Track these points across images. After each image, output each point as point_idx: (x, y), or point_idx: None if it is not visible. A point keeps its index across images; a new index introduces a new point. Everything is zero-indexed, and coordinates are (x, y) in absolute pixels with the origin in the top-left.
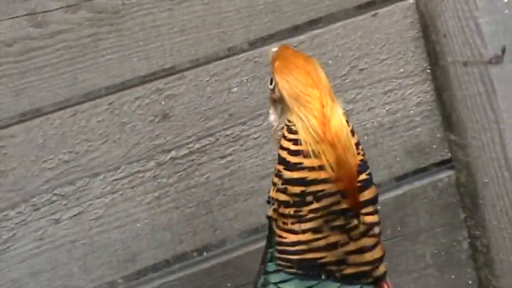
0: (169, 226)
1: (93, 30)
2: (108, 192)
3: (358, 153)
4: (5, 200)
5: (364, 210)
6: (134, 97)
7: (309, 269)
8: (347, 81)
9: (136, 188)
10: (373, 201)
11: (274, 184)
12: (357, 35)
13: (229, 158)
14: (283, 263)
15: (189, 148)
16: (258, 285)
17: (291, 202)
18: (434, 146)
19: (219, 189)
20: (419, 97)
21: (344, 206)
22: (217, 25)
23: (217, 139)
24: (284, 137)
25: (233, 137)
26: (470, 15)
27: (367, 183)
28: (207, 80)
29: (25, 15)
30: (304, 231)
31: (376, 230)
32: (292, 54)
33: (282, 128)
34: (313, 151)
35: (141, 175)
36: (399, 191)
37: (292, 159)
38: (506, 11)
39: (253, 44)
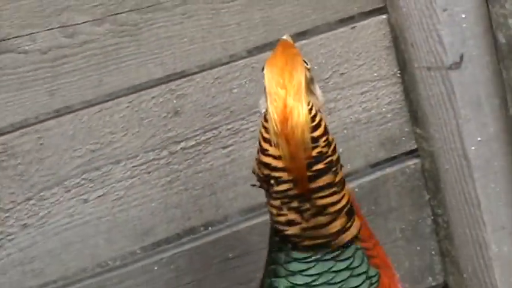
0: (180, 205)
1: (115, 40)
2: (128, 177)
3: (317, 146)
4: (41, 183)
5: (317, 195)
6: (150, 96)
7: (283, 240)
8: (330, 83)
9: (152, 173)
10: (330, 185)
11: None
12: (338, 44)
13: (230, 148)
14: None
15: (196, 140)
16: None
17: (263, 179)
18: (403, 138)
19: (221, 174)
20: (390, 97)
21: (295, 191)
22: (220, 36)
23: (220, 132)
24: (262, 122)
25: (234, 130)
26: (433, 27)
27: (322, 172)
28: (212, 82)
29: (58, 27)
30: (272, 206)
31: (332, 208)
32: (282, 51)
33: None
34: (275, 142)
35: (156, 162)
36: (373, 176)
37: (263, 145)
38: (464, 25)
39: (251, 52)
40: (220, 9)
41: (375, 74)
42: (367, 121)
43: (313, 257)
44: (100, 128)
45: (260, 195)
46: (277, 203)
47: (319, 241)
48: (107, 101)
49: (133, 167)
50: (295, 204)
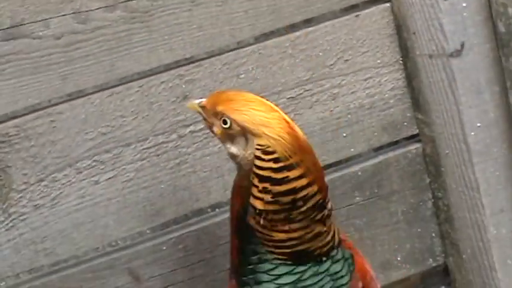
0: (188, 187)
1: (127, 27)
2: (138, 159)
3: None
4: (53, 165)
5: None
6: (160, 81)
7: (300, 258)
8: (334, 69)
9: (161, 156)
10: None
11: (260, 198)
12: (342, 32)
13: None
14: (277, 256)
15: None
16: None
17: (282, 210)
18: (405, 123)
19: (228, 157)
20: (393, 83)
21: (320, 199)
22: (228, 23)
23: None
24: (260, 159)
25: None
26: (435, 16)
27: None
28: (220, 68)
29: (71, 13)
30: (294, 230)
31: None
32: (231, 94)
33: (251, 153)
34: (295, 163)
35: (165, 145)
36: (376, 160)
37: (278, 175)
38: (465, 14)
39: (258, 39)
40: None
41: (378, 61)
42: (370, 106)
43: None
44: (111, 111)
45: None
46: (301, 224)
47: (330, 245)
48: (118, 85)
49: (143, 149)
50: (320, 215)
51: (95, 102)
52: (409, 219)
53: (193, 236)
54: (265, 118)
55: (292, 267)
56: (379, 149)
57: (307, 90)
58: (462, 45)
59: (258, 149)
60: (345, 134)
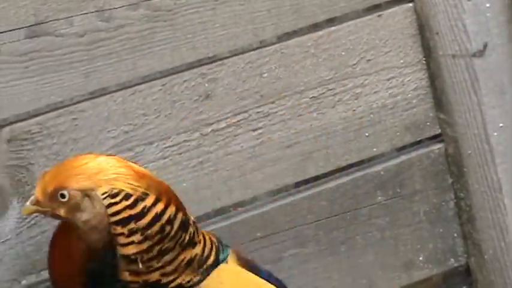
0: (210, 186)
1: (150, 25)
2: (160, 158)
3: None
4: None
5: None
6: (183, 80)
7: None
8: (357, 69)
9: (183, 154)
10: None
11: (130, 242)
12: (365, 32)
13: (259, 131)
14: None
15: (227, 122)
16: None
17: (155, 243)
18: (428, 123)
19: (251, 156)
20: (415, 83)
21: (183, 216)
22: (251, 22)
23: (250, 115)
24: (112, 205)
25: (263, 114)
26: (458, 16)
27: None
28: (243, 67)
29: (94, 11)
30: (170, 262)
31: None
32: (51, 171)
33: (101, 207)
34: (145, 190)
35: (187, 144)
36: (399, 160)
37: (137, 210)
38: (488, 14)
39: (281, 38)
40: None
41: (401, 61)
42: (393, 106)
43: None
44: (133, 109)
45: (288, 177)
46: (175, 253)
47: None
48: (141, 83)
49: (165, 148)
50: (187, 236)
51: (117, 101)
52: (432, 219)
53: (215, 234)
54: (94, 167)
55: None
56: (401, 149)
57: (330, 90)
58: (485, 46)
59: (104, 198)
60: (367, 134)
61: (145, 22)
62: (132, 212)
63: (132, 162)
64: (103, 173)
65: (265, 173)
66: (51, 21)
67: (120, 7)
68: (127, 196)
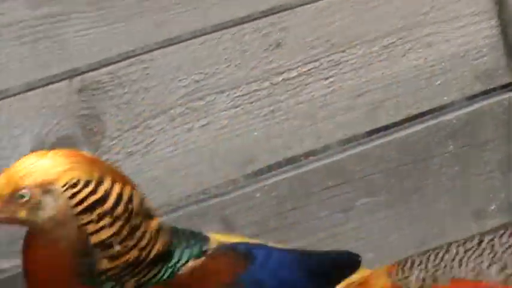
0: (281, 135)
1: None
2: (231, 107)
3: None
4: (147, 112)
5: None
6: (253, 29)
7: (163, 259)
8: (428, 17)
9: (254, 103)
10: None
11: (101, 228)
12: None
13: (330, 79)
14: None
15: (297, 71)
16: None
17: (124, 223)
18: (499, 72)
19: (322, 104)
20: (487, 31)
21: (139, 194)
22: None
23: (321, 64)
24: (74, 196)
25: (334, 62)
26: None
27: None
28: (314, 16)
29: None
30: (141, 238)
31: None
32: (4, 176)
33: (63, 199)
34: (101, 174)
35: (258, 93)
36: (470, 109)
37: (99, 194)
38: None
39: None
40: None
41: (472, 9)
42: (464, 55)
43: None
44: (204, 58)
45: (359, 126)
46: (143, 228)
47: None
48: (212, 32)
49: (236, 97)
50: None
51: (188, 50)
52: (503, 169)
53: (286, 183)
54: (46, 163)
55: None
56: (473, 98)
57: (401, 39)
58: None
59: (65, 191)
60: (438, 82)
61: None
62: (96, 197)
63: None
64: (57, 166)
65: (336, 122)
66: None
67: None
68: (87, 183)
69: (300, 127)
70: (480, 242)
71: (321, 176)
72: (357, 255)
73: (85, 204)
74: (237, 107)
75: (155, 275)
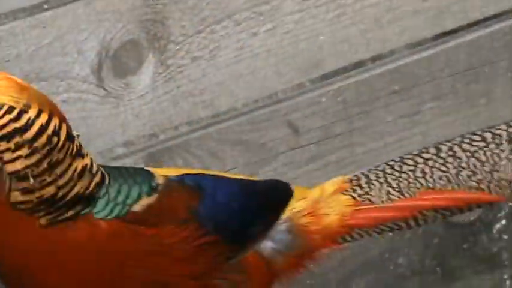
0: (347, 39)
1: None
2: (297, 11)
3: None
4: (212, 17)
5: None
6: None
7: (78, 203)
8: None
9: (320, 8)
10: None
11: (17, 157)
12: None
13: None
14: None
15: None
16: None
17: (44, 156)
18: None
19: (388, 8)
20: None
21: (67, 129)
22: None
23: None
24: None
25: None
26: None
27: None
28: None
29: None
30: (61, 174)
31: None
32: None
33: None
34: (27, 102)
35: None
36: None
37: (21, 122)
38: None
39: None
40: None
41: None
42: None
43: None
44: None
45: (425, 30)
46: (66, 163)
47: None
48: None
49: (302, 1)
50: (74, 147)
51: None
52: None
53: (353, 88)
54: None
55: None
56: None
57: None
58: None
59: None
60: None
61: None
62: (17, 125)
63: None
64: None
65: (402, 26)
66: None
67: None
68: (10, 109)
69: (366, 31)
70: (438, 151)
71: (387, 81)
72: (288, 184)
73: (4, 131)
74: (302, 11)
75: (76, 213)
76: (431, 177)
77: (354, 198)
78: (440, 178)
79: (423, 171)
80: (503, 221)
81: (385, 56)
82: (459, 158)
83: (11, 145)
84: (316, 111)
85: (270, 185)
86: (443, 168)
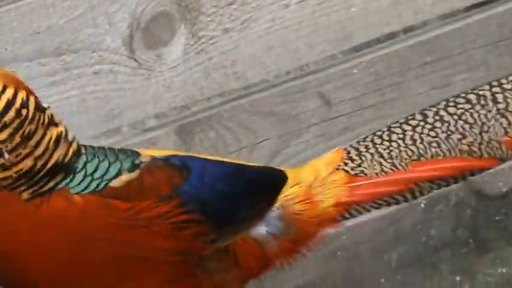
0: (379, 11)
1: None
2: None
3: None
4: None
5: None
6: None
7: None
8: None
9: None
10: None
11: None
12: None
13: None
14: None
15: None
16: None
17: (15, 129)
18: None
19: None
20: None
21: (35, 99)
22: None
23: None
24: None
25: None
26: None
27: None
28: None
29: None
30: (36, 146)
31: None
32: None
33: None
34: None
35: None
36: None
37: None
38: None
39: None
40: None
41: None
42: None
43: None
44: None
45: (457, 1)
46: (39, 134)
47: None
48: None
49: None
50: (46, 117)
51: None
52: None
53: (384, 59)
54: None
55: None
56: None
57: None
58: None
59: None
60: None
61: None
62: None
63: None
64: None
65: None
66: None
67: None
68: None
69: (398, 3)
70: (425, 117)
71: (419, 52)
72: (282, 171)
73: None
74: None
75: (56, 184)
76: (421, 143)
77: (347, 172)
78: (430, 144)
79: (412, 138)
80: None
81: (417, 27)
82: (447, 122)
83: None
84: (348, 82)
85: (263, 171)
86: (432, 134)
